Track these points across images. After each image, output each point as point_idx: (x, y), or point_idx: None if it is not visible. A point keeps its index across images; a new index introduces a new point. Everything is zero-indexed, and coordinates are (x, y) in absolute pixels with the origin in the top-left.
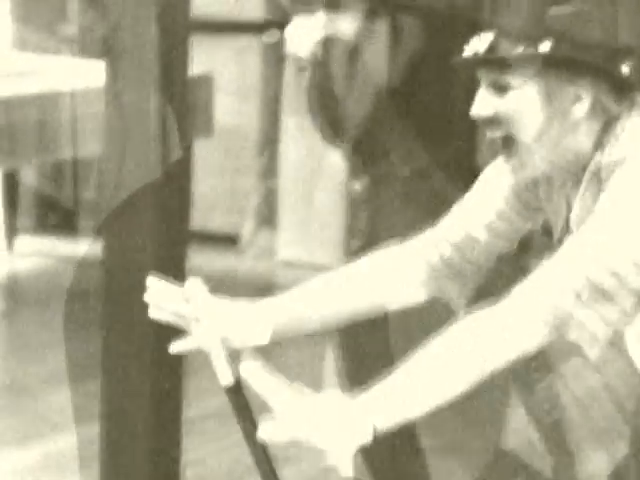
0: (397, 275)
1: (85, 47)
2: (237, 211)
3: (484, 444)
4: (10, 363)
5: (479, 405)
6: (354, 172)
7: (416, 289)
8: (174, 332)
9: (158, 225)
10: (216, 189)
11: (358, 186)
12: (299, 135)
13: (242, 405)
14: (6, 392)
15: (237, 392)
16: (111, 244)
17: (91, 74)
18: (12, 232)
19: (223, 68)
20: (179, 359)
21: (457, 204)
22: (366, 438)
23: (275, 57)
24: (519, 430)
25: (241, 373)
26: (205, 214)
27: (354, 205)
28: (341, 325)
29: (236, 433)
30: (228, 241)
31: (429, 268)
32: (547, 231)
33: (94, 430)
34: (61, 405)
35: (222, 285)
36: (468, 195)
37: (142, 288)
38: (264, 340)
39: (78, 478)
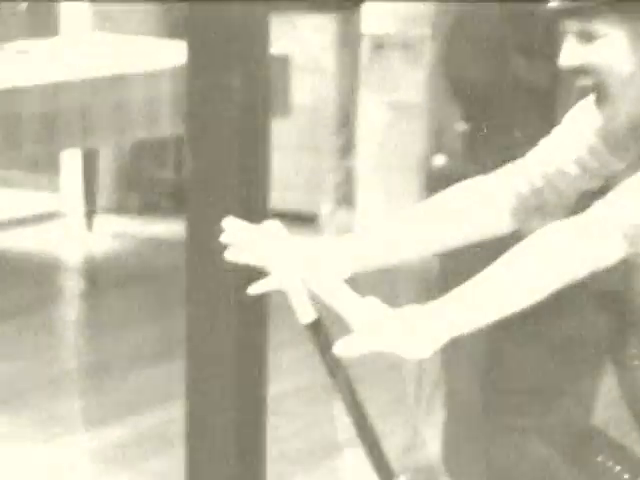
0: (486, 203)
1: (165, 27)
2: (315, 190)
3: (572, 421)
4: (92, 344)
5: (568, 381)
6: (433, 148)
7: (504, 219)
8: (257, 312)
9: (238, 204)
10: (294, 168)
11: (437, 163)
12: (376, 112)
13: (323, 342)
14: (89, 372)
15: (318, 329)
16: (193, 224)
17: (170, 54)
18: (91, 212)
19: (299, 47)
20: (263, 337)
21: (545, 139)
22: (442, 342)
23: (351, 35)
24: (609, 406)
25: (314, 289)
26: (283, 193)
27: (433, 182)
28: (426, 256)
29: (319, 411)
30: (306, 220)
31: (519, 198)
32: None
33: (179, 409)
34: (144, 384)
35: None
36: (557, 130)
37: (225, 267)
38: (344, 277)
39: (164, 456)
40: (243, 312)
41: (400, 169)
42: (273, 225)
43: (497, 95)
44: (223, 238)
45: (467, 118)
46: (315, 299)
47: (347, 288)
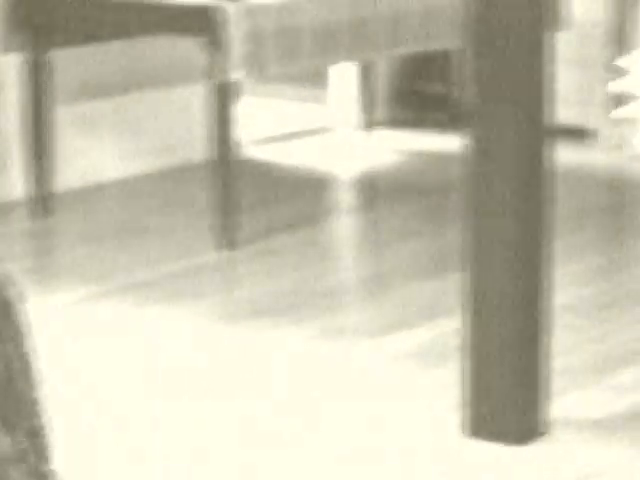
0: None
1: None
2: (586, 104)
3: None
4: (369, 256)
5: None
6: None
7: None
8: (540, 225)
9: (522, 117)
10: (565, 82)
11: None
12: None
13: None
14: (366, 285)
15: None
16: (473, 137)
17: None
18: (367, 126)
19: None
20: (546, 249)
21: None
22: None
23: None
24: None
25: None
26: (556, 107)
27: None
28: None
29: (600, 325)
30: (576, 135)
31: None
32: None
33: (455, 322)
34: (420, 298)
35: (573, 178)
36: None
37: (504, 180)
38: None
39: (441, 369)
40: (525, 224)
41: None
42: None
43: None
44: (618, 66)
45: None
46: None
47: None
